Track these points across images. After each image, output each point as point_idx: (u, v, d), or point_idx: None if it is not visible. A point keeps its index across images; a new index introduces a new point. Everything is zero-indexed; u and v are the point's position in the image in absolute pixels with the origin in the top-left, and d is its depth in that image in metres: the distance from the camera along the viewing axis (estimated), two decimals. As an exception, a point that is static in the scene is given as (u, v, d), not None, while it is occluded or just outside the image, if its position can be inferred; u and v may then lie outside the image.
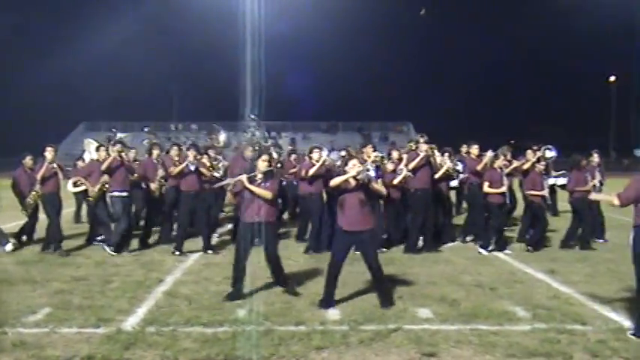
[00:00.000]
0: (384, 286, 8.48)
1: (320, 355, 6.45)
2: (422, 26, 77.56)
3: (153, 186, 13.16)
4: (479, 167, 13.21)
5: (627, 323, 7.41)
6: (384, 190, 8.68)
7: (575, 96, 76.76)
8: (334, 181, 8.26)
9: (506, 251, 12.38)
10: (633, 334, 6.95)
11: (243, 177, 8.77)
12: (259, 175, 8.79)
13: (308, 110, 66.42)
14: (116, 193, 12.33)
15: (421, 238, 12.62)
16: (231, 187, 9.63)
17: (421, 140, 12.65)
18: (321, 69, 70.85)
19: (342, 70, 74.31)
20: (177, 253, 12.10)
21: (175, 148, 13.58)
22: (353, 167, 8.17)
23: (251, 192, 8.71)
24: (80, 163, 14.45)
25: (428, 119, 62.18)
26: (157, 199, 13.43)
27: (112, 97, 70.07)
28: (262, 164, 8.81)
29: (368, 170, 8.13)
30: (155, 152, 13.52)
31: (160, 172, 13.20)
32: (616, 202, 7.37)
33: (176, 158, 12.99)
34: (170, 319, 7.63)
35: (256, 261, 11.49)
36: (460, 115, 73.72)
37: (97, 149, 13.06)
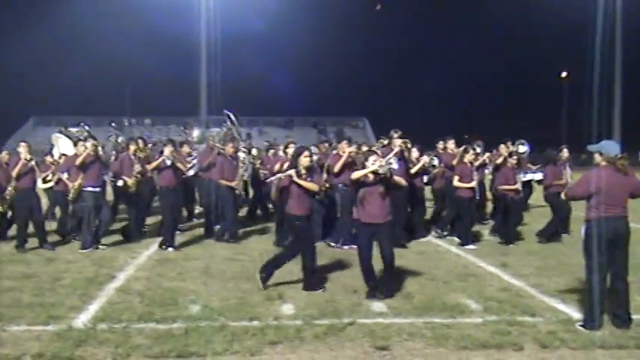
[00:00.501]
0: (391, 278, 8.67)
1: (274, 350, 6.43)
2: (377, 22, 77.86)
3: (129, 181, 12.99)
4: (454, 162, 13.36)
5: (576, 315, 7.55)
6: (403, 182, 8.82)
7: (527, 92, 77.88)
8: (355, 175, 8.49)
9: (472, 247, 12.54)
10: (582, 326, 7.07)
11: (292, 172, 8.91)
12: (303, 170, 8.93)
13: (263, 105, 66.24)
14: (89, 188, 12.15)
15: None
16: (277, 181, 9.62)
17: (395, 135, 12.72)
18: (278, 64, 70.84)
19: (299, 65, 74.34)
20: (171, 249, 12.09)
21: (140, 141, 13.75)
22: (374, 162, 8.35)
23: (299, 186, 8.87)
24: (48, 159, 14.20)
25: (384, 115, 62.68)
26: (133, 195, 13.29)
27: (62, 91, 68.87)
28: (305, 160, 8.96)
29: (390, 164, 8.42)
30: (132, 147, 13.38)
31: (137, 168, 13.06)
32: (562, 196, 7.59)
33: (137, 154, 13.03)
34: (122, 315, 7.52)
35: (210, 255, 11.52)
36: (415, 111, 74.26)
37: (75, 144, 12.90)
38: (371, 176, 8.36)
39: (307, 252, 9.00)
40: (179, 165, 12.78)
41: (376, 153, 8.78)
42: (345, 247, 12.13)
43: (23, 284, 9.17)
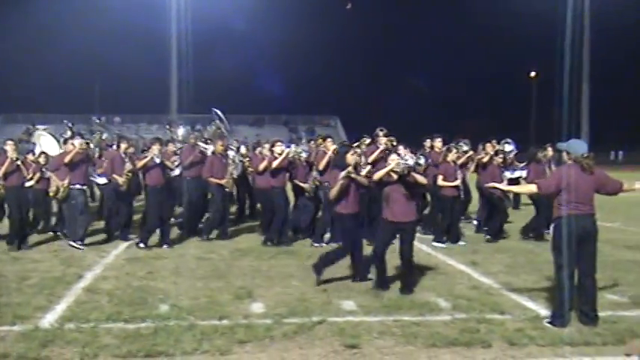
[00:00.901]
0: (409, 276, 8.89)
1: (243, 349, 6.40)
2: (348, 21, 77.98)
3: (120, 180, 12.82)
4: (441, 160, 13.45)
5: (544, 312, 7.61)
6: (424, 180, 8.95)
7: (497, 91, 78.45)
8: (376, 175, 8.83)
9: (461, 243, 12.69)
10: (549, 323, 7.14)
11: (350, 169, 9.12)
12: (351, 168, 9.16)
13: (233, 103, 65.91)
14: (78, 186, 12.10)
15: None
16: (342, 182, 9.38)
17: (380, 134, 12.75)
18: (249, 62, 70.55)
19: (270, 63, 74.21)
20: (142, 245, 12.07)
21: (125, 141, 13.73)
22: (392, 161, 8.73)
23: (356, 181, 9.17)
24: (30, 157, 14.02)
25: (355, 114, 62.77)
26: (124, 193, 13.13)
27: (30, 89, 67.81)
28: (351, 158, 9.30)
29: (406, 162, 8.66)
30: (123, 145, 13.27)
31: (128, 166, 12.92)
32: (535, 189, 7.64)
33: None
34: (90, 315, 7.44)
35: (179, 254, 11.45)
36: (386, 110, 74.39)
37: (65, 142, 12.87)
38: (394, 175, 8.66)
39: (357, 248, 9.25)
40: (167, 163, 12.74)
41: (396, 152, 9.23)
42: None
43: (-11, 284, 9.06)
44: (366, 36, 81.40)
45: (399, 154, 9.26)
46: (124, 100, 63.11)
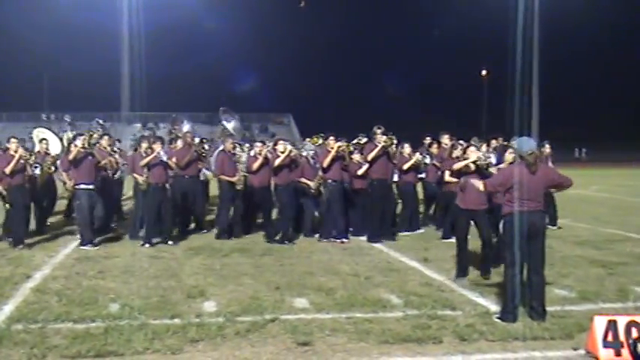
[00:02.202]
0: (491, 258, 9.50)
1: (195, 348, 6.37)
2: (301, 18, 77.97)
3: (140, 179, 12.62)
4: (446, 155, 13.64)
5: (494, 307, 7.72)
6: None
7: (449, 89, 79.25)
8: (456, 166, 9.75)
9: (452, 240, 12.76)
10: (499, 318, 7.24)
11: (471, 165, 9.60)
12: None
13: (186, 101, 65.25)
14: (82, 186, 11.85)
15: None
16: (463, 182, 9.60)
17: (378, 132, 12.74)
18: (202, 59, 69.94)
19: (223, 60, 73.75)
20: (147, 245, 11.99)
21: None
22: (471, 153, 9.61)
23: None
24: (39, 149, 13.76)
25: (309, 111, 62.81)
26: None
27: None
28: (509, 156, 10.02)
29: (489, 157, 9.72)
30: (144, 145, 13.04)
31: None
32: (481, 187, 7.78)
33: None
34: (39, 315, 7.31)
35: (131, 253, 11.32)
36: (340, 107, 74.74)
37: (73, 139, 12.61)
38: (472, 167, 9.49)
39: (487, 245, 9.65)
40: (170, 162, 12.54)
41: (475, 146, 9.97)
42: (338, 240, 12.57)
43: None
44: (320, 34, 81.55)
45: (479, 150, 9.93)
46: (74, 97, 61.98)
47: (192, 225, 14.05)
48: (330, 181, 12.69)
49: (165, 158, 12.31)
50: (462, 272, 9.40)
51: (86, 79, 64.28)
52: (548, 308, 7.38)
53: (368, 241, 12.60)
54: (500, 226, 7.57)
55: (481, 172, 9.38)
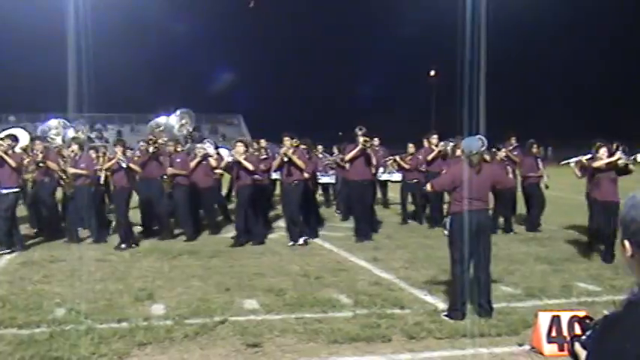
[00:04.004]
0: (611, 249, 10.36)
1: (143, 352, 6.30)
2: (251, 18, 77.66)
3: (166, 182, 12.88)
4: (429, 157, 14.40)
5: (441, 305, 7.80)
6: (631, 171, 10.68)
7: (400, 89, 79.61)
8: (597, 164, 10.47)
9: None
10: (447, 316, 7.33)
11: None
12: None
13: (134, 102, 64.43)
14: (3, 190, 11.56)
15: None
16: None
17: (359, 133, 12.73)
18: (151, 59, 69.00)
19: (172, 60, 72.94)
20: (124, 246, 11.88)
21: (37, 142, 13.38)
22: (603, 154, 10.54)
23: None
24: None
25: (259, 111, 62.55)
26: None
27: None
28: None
29: (630, 157, 10.61)
30: (170, 148, 13.28)
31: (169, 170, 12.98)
32: (429, 187, 7.88)
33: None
34: (-19, 322, 7.16)
35: (77, 257, 11.14)
36: (292, 108, 74.51)
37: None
38: (602, 164, 10.42)
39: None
40: (132, 166, 12.32)
41: (605, 146, 10.62)
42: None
43: None
44: (270, 33, 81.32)
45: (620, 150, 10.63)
46: (18, 98, 60.50)
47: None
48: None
49: (124, 165, 12.14)
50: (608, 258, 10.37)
51: (31, 79, 62.75)
52: (495, 305, 7.49)
53: (356, 241, 12.68)
54: (447, 224, 7.64)
55: (615, 169, 10.48)
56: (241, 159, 12.26)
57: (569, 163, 11.60)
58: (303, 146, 13.00)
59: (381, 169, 17.00)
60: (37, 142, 13.32)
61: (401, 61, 75.91)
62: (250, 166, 12.29)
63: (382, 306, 7.82)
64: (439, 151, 14.03)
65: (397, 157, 16.22)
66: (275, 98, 78.76)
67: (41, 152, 12.85)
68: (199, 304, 7.94)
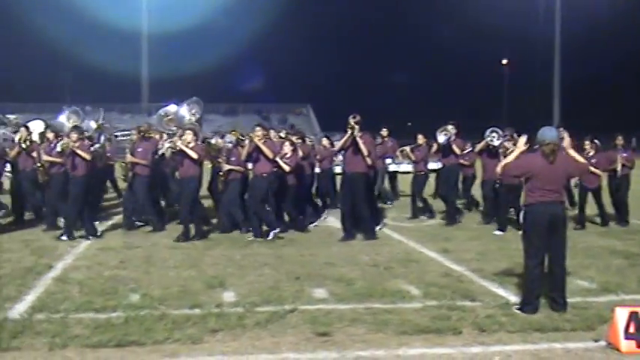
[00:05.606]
0: None
1: (215, 338, 6.40)
2: (323, 9, 77.79)
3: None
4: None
5: (514, 298, 7.67)
6: None
7: (469, 79, 78.34)
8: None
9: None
10: (519, 309, 7.20)
11: None
12: None
13: (206, 92, 65.27)
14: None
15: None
16: None
17: (352, 121, 12.57)
18: (219, 50, 69.50)
19: (242, 51, 73.38)
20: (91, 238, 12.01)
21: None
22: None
23: None
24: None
25: (328, 102, 62.59)
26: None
27: None
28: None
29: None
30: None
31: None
32: (499, 169, 7.76)
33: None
34: (60, 305, 7.37)
35: (152, 243, 11.40)
36: (360, 98, 74.27)
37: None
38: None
39: None
40: (80, 152, 11.75)
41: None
42: None
43: (-42, 274, 8.95)
44: (339, 25, 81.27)
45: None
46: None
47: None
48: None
49: (59, 149, 11.87)
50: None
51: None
52: (569, 299, 7.32)
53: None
54: (521, 216, 7.52)
55: None
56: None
57: None
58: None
59: (388, 160, 16.81)
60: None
61: (472, 52, 74.65)
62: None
63: (452, 298, 7.74)
64: (486, 143, 13.50)
65: (407, 148, 15.67)
66: (344, 88, 78.66)
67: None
68: (270, 292, 8.02)
